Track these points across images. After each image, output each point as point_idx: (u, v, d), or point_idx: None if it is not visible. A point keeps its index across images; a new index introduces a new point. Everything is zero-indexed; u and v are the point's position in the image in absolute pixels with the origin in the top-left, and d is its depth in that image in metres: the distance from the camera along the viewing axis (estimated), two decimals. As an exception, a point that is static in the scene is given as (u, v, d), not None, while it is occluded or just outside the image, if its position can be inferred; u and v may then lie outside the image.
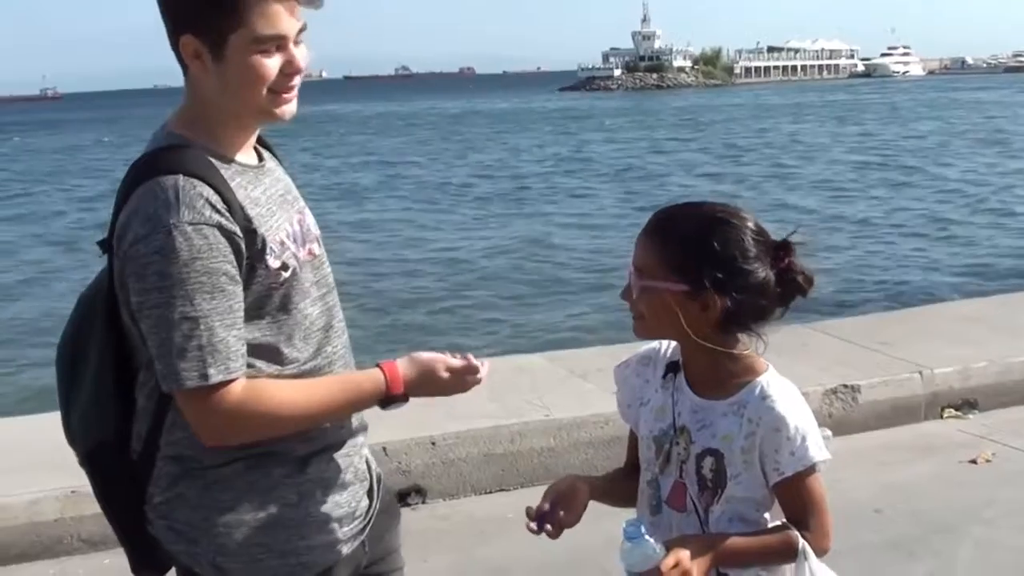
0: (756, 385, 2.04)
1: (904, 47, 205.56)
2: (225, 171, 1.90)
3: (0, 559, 4.15)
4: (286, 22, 1.88)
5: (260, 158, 2.07)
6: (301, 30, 1.92)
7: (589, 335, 10.54)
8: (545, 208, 24.04)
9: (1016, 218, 19.80)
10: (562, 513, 2.12)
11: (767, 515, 2.07)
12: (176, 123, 1.96)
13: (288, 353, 1.97)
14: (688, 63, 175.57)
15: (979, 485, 4.85)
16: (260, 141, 2.10)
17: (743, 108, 75.62)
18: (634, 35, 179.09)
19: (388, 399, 2.01)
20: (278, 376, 1.95)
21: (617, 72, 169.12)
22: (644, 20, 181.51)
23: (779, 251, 2.03)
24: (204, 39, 1.86)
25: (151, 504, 2.00)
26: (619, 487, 2.26)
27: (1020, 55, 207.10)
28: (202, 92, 1.93)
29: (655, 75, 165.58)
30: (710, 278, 1.97)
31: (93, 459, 2.05)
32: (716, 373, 2.07)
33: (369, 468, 2.21)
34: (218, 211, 1.83)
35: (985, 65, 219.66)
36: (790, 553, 1.99)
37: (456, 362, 2.06)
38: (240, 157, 1.99)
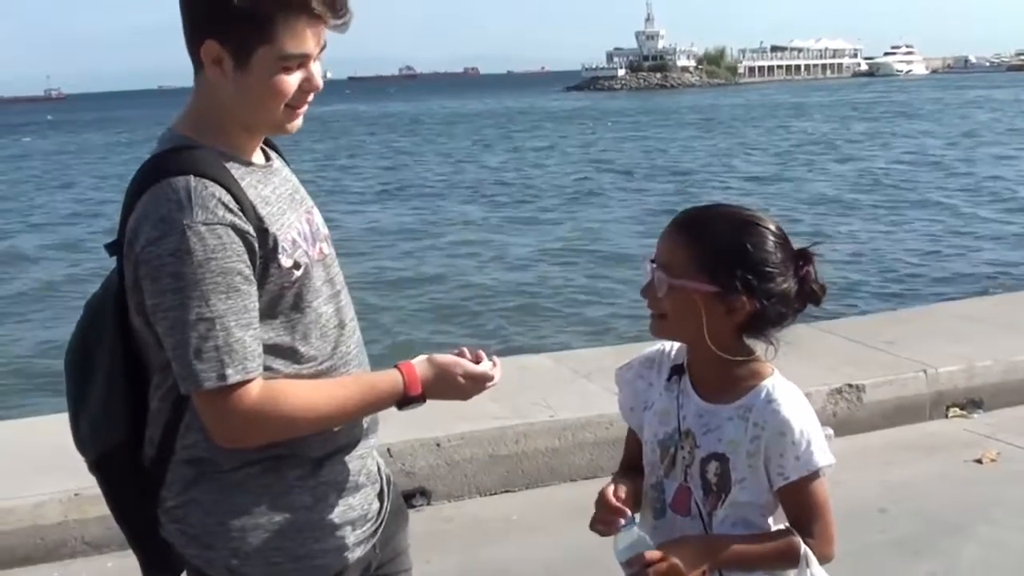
0: (762, 389, 2.03)
1: (907, 46, 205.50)
2: (235, 171, 1.91)
3: (4, 562, 4.15)
4: (312, 42, 1.89)
5: (267, 158, 2.07)
6: (322, 49, 1.93)
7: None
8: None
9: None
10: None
11: (771, 520, 2.07)
12: (183, 124, 1.97)
13: (306, 352, 1.97)
14: (692, 63, 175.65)
15: (985, 484, 4.85)
16: (266, 141, 2.10)
17: (767, 107, 75.07)
18: (638, 35, 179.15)
19: (405, 400, 2.01)
20: (296, 376, 1.95)
21: (621, 72, 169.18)
22: (648, 20, 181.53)
23: (799, 259, 2.03)
24: (229, 47, 1.86)
25: (163, 508, 2.00)
26: (638, 488, 2.20)
27: (1023, 54, 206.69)
28: (216, 96, 1.93)
29: (659, 75, 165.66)
30: (742, 281, 1.96)
31: (104, 464, 2.05)
32: (723, 377, 2.06)
33: (379, 470, 2.21)
34: (231, 211, 1.83)
35: (988, 64, 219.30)
36: (792, 558, 1.98)
37: (474, 368, 2.07)
38: (248, 157, 1.99)
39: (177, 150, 1.90)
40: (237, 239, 1.83)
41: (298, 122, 1.98)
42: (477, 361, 2.09)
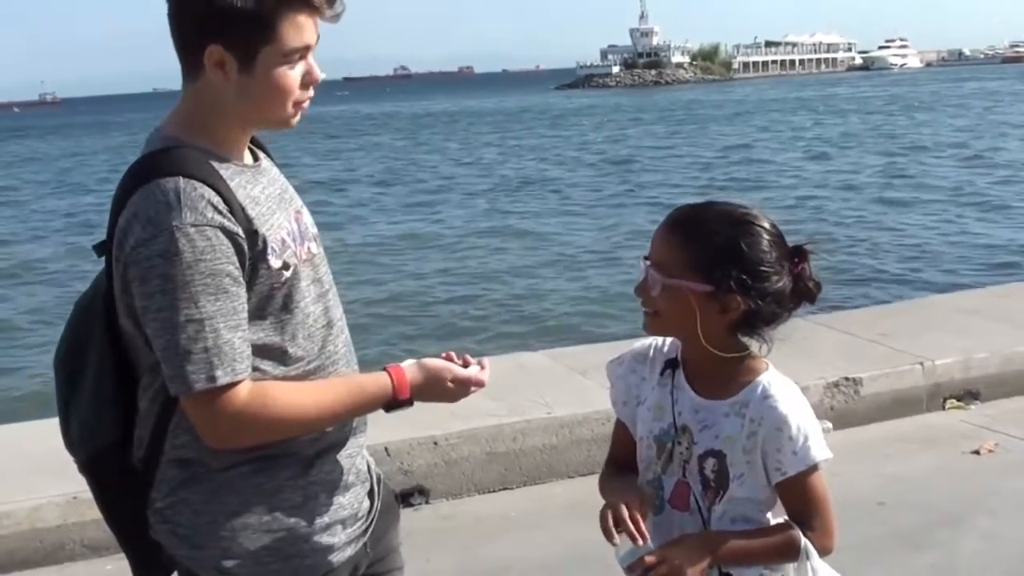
0: (757, 385, 2.03)
1: (901, 39, 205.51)
2: (224, 171, 1.90)
3: (3, 566, 4.14)
4: (310, 33, 1.91)
5: (256, 158, 2.07)
6: (316, 41, 1.94)
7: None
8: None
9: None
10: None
11: (769, 515, 2.07)
12: (171, 126, 1.96)
13: (293, 352, 1.97)
14: (686, 59, 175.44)
15: (982, 476, 4.85)
16: (254, 141, 2.10)
17: (771, 102, 74.75)
18: (632, 32, 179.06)
19: (393, 403, 2.02)
20: (284, 377, 1.95)
21: (615, 69, 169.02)
22: (642, 17, 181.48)
23: (794, 256, 2.03)
24: (233, 51, 1.86)
25: (153, 509, 2.00)
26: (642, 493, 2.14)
27: (1017, 45, 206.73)
28: (215, 98, 1.92)
29: (653, 71, 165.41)
30: (736, 280, 1.96)
31: (94, 465, 2.04)
32: (717, 373, 2.06)
33: (369, 468, 2.21)
34: (220, 212, 1.83)
35: (983, 56, 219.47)
36: (792, 552, 1.99)
37: (462, 372, 2.08)
38: (237, 157, 1.99)
39: (166, 151, 1.89)
40: (226, 241, 1.83)
41: (298, 117, 1.99)
42: (466, 365, 2.11)
